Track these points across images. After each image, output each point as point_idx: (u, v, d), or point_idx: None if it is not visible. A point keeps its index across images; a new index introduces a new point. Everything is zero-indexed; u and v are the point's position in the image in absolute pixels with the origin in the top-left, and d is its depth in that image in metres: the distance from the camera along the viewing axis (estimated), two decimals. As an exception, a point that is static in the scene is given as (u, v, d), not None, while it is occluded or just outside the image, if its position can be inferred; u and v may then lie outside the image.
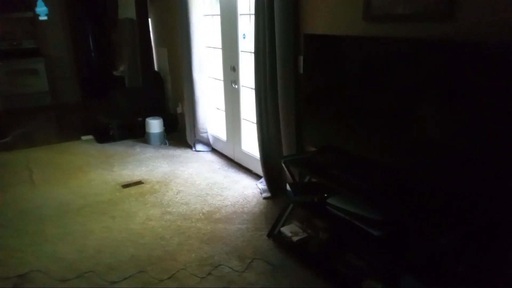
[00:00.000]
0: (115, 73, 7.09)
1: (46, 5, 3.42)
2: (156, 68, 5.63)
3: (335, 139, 2.53)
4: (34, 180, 3.83)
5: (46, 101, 7.25)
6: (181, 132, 5.10)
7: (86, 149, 4.75)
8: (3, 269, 2.48)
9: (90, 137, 5.20)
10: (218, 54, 4.14)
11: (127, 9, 5.77)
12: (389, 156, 2.12)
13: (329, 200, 2.36)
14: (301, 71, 2.87)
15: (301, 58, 2.84)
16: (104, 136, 5.08)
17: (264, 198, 3.36)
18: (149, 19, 5.41)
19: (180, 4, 4.18)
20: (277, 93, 3.04)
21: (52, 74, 7.31)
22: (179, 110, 5.21)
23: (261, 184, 3.56)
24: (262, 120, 3.26)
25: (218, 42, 4.09)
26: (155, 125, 4.82)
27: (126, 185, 3.68)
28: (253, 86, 3.55)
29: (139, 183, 3.73)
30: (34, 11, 6.83)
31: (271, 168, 3.35)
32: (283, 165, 2.65)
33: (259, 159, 3.61)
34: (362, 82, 2.22)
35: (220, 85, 4.22)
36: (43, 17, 3.47)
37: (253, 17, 3.40)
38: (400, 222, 1.99)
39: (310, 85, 2.65)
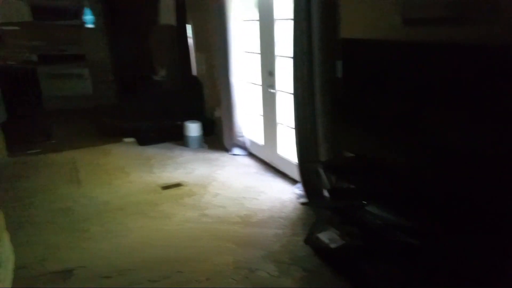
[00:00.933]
0: (155, 77, 7.31)
1: (93, 13, 3.57)
2: (194, 72, 5.75)
3: (373, 145, 2.49)
4: (79, 179, 4.02)
5: (90, 104, 7.59)
6: (218, 136, 5.18)
7: (127, 151, 4.93)
8: (50, 264, 2.62)
9: (131, 139, 5.39)
10: (256, 59, 4.17)
11: (167, 16, 5.94)
12: (429, 164, 2.05)
13: (367, 207, 2.31)
14: (340, 75, 2.85)
15: (340, 62, 2.81)
16: (144, 139, 5.24)
17: (301, 203, 3.35)
18: (188, 25, 5.54)
19: (218, 10, 4.25)
20: (315, 98, 3.02)
21: (95, 78, 7.65)
22: (216, 114, 5.29)
23: (298, 189, 3.55)
24: (300, 124, 3.25)
25: (256, 47, 4.12)
26: (193, 129, 4.93)
27: (165, 187, 3.78)
28: (291, 91, 3.56)
29: (178, 185, 3.82)
30: (80, 19, 7.23)
31: (308, 173, 3.33)
32: (321, 170, 2.63)
33: (296, 163, 3.60)
34: (402, 87, 2.17)
35: (258, 90, 4.25)
36: (89, 25, 3.64)
37: (290, 22, 3.42)
38: (439, 232, 1.92)
39: (348, 90, 2.63)
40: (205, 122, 5.16)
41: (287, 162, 3.87)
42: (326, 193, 2.95)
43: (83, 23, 3.73)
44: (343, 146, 2.93)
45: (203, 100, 5.60)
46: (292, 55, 3.17)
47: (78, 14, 7.19)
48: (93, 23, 3.66)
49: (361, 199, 2.45)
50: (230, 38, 4.21)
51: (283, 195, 3.54)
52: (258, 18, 3.91)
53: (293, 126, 3.36)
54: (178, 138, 5.14)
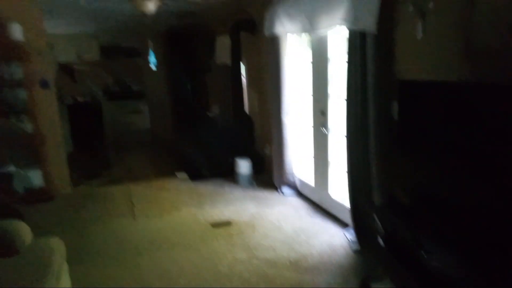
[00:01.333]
0: (208, 113, 7.56)
1: (156, 57, 3.82)
2: (246, 110, 5.87)
3: (431, 190, 2.34)
4: (134, 213, 4.16)
5: (147, 138, 7.99)
6: (268, 174, 5.17)
7: (179, 186, 5.05)
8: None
9: (183, 174, 5.54)
10: (308, 98, 4.19)
11: (223, 55, 6.19)
12: (500, 209, 1.88)
13: (426, 256, 2.15)
14: (396, 117, 2.76)
15: (395, 103, 2.74)
16: (196, 174, 5.36)
17: (353, 250, 3.20)
18: (242, 64, 5.72)
19: (272, 50, 4.37)
20: (369, 139, 2.95)
21: (153, 113, 8.07)
22: (267, 151, 5.32)
23: (350, 234, 3.40)
24: (353, 166, 3.16)
25: (308, 87, 4.15)
26: (244, 166, 4.97)
27: (216, 225, 3.79)
28: (343, 131, 3.50)
29: (227, 223, 3.82)
30: (143, 58, 7.77)
31: (361, 217, 3.20)
32: (375, 216, 2.51)
33: (348, 207, 3.48)
34: (463, 131, 2.05)
35: (309, 129, 4.23)
36: (153, 67, 3.88)
37: (344, 63, 3.41)
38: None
39: (406, 132, 2.53)
40: (255, 159, 5.20)
41: (339, 204, 3.75)
42: (380, 240, 2.80)
43: (147, 63, 3.99)
44: (399, 190, 2.79)
45: (254, 137, 5.67)
46: (345, 95, 3.15)
47: (141, 54, 7.77)
48: (156, 65, 3.88)
49: (419, 247, 2.29)
50: (283, 77, 4.28)
51: (334, 240, 3.40)
52: (311, 58, 3.96)
53: (346, 168, 3.28)
54: (229, 175, 5.20)
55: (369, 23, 2.69)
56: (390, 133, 2.81)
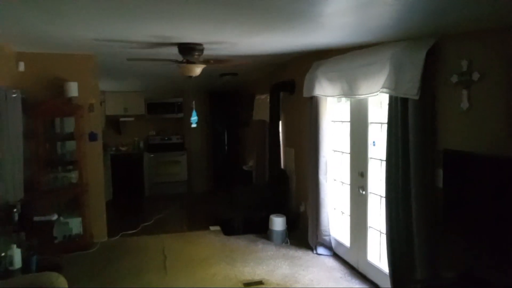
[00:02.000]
0: (244, 167, 7.65)
1: (197, 115, 4.02)
2: (282, 166, 5.90)
3: (478, 265, 2.20)
4: (166, 267, 4.14)
5: (183, 189, 8.12)
6: (302, 231, 5.06)
7: (212, 240, 5.03)
8: None
9: (217, 227, 5.52)
10: (345, 159, 4.17)
11: (261, 112, 6.38)
12: None
13: None
14: (440, 185, 2.68)
15: (440, 171, 2.67)
16: (229, 229, 5.33)
17: (394, 322, 2.99)
18: (280, 121, 5.85)
19: (311, 110, 4.46)
20: (411, 205, 2.85)
21: (191, 166, 8.26)
22: (302, 209, 5.24)
23: (390, 304, 3.20)
24: (393, 232, 3.04)
25: (345, 147, 4.15)
26: (278, 223, 4.90)
27: (247, 284, 3.69)
28: (382, 194, 3.42)
29: (259, 283, 3.72)
30: (183, 112, 8.14)
31: (403, 287, 3.01)
32: (419, 290, 2.37)
33: (387, 273, 3.31)
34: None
35: (346, 189, 4.17)
36: (194, 125, 4.07)
37: (384, 126, 3.42)
38: None
39: (451, 202, 2.44)
40: (289, 216, 5.12)
41: (377, 270, 3.57)
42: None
43: (189, 119, 4.20)
44: (443, 264, 2.64)
45: (289, 194, 5.63)
46: (385, 158, 3.12)
47: (181, 109, 8.16)
48: (197, 123, 4.08)
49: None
50: (322, 136, 4.32)
51: (372, 309, 3.21)
52: (350, 120, 3.99)
53: (385, 232, 3.16)
54: (262, 231, 5.13)
55: (411, 90, 2.73)
56: (434, 200, 2.72)
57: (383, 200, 3.40)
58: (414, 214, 2.82)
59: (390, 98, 3.03)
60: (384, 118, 3.41)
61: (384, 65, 3.09)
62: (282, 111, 5.71)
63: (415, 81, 2.74)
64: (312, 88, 4.37)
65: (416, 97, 2.73)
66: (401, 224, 2.96)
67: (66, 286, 2.31)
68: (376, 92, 3.18)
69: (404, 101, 2.88)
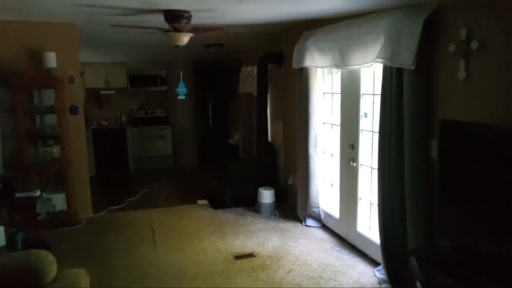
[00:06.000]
0: (230, 141, 7.58)
1: (186, 86, 3.87)
2: (270, 139, 5.85)
3: (475, 236, 2.22)
4: (156, 242, 4.10)
5: (168, 164, 8.01)
6: (290, 204, 5.08)
7: (201, 214, 4.99)
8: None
9: (205, 201, 5.48)
10: (335, 131, 4.14)
11: (248, 84, 6.25)
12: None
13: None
14: (434, 156, 2.68)
15: (434, 142, 2.66)
16: (218, 202, 5.30)
17: (384, 290, 3.05)
18: (267, 93, 5.74)
19: (300, 82, 4.37)
20: (403, 177, 2.85)
21: (175, 140, 8.12)
22: (290, 181, 5.24)
23: (380, 273, 3.25)
24: (385, 204, 3.06)
25: (336, 119, 4.11)
26: (267, 196, 4.89)
27: (238, 257, 3.69)
28: (373, 166, 3.42)
29: (250, 255, 3.72)
30: (167, 85, 7.91)
31: (393, 257, 3.06)
32: (414, 261, 2.38)
33: (377, 243, 3.36)
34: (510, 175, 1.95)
35: (336, 161, 4.16)
36: (181, 97, 3.92)
37: (376, 97, 3.37)
38: None
39: (446, 173, 2.43)
40: (278, 189, 5.12)
41: (367, 240, 3.62)
42: (419, 285, 2.65)
43: (174, 91, 4.03)
44: (437, 234, 2.67)
45: (277, 167, 5.61)
46: (377, 130, 3.09)
47: (165, 81, 7.93)
48: (185, 95, 3.92)
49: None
50: (312, 109, 4.26)
51: (362, 278, 3.26)
52: (340, 90, 3.93)
53: (377, 204, 3.18)
54: (251, 204, 5.12)
55: (407, 59, 2.66)
56: (428, 172, 2.72)
57: (374, 171, 3.41)
58: (407, 185, 2.82)
59: (385, 68, 2.97)
60: (377, 89, 3.37)
61: (379, 34, 3.01)
62: (270, 84, 5.60)
63: (411, 50, 2.68)
64: (302, 59, 4.27)
65: (412, 67, 2.68)
66: (393, 195, 2.97)
67: (55, 263, 2.23)
68: (371, 62, 3.11)
69: (399, 71, 2.83)
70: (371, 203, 3.56)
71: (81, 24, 4.37)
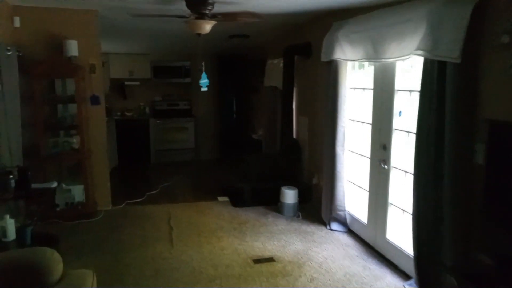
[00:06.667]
0: (253, 136, 7.37)
1: (208, 77, 3.68)
2: (294, 135, 5.60)
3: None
4: (172, 238, 3.95)
5: (190, 157, 7.90)
6: (314, 205, 4.82)
7: (221, 211, 4.82)
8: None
9: (225, 198, 5.31)
10: (365, 129, 3.85)
11: (273, 77, 6.00)
12: None
13: None
14: (480, 161, 2.37)
15: (480, 146, 2.35)
16: (238, 199, 5.11)
17: (416, 307, 2.77)
18: (293, 87, 5.48)
19: (329, 76, 4.10)
20: (442, 183, 2.56)
21: (198, 133, 7.99)
22: (314, 181, 4.98)
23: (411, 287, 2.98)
24: (420, 212, 2.77)
25: (366, 116, 3.82)
26: (290, 196, 4.66)
27: (257, 260, 3.49)
28: (408, 169, 3.14)
29: (270, 259, 3.51)
30: (191, 77, 7.77)
31: (427, 271, 2.77)
32: (453, 278, 2.11)
33: (409, 254, 3.08)
34: None
35: (365, 162, 3.88)
36: (204, 89, 3.73)
37: (413, 94, 3.08)
38: None
39: (494, 181, 2.13)
40: (301, 188, 4.86)
41: (398, 250, 3.33)
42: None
43: (197, 83, 3.85)
44: (480, 247, 2.37)
45: (301, 165, 5.36)
46: (414, 130, 2.79)
47: (189, 73, 7.79)
48: (207, 86, 3.73)
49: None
50: (340, 105, 3.98)
51: (391, 291, 3.00)
52: (373, 87, 3.63)
53: (410, 211, 2.89)
54: (272, 203, 4.90)
55: (452, 52, 2.36)
56: (472, 179, 2.42)
57: (409, 176, 3.12)
58: (446, 193, 2.53)
59: (425, 62, 2.67)
60: (414, 85, 3.07)
61: (419, 23, 2.71)
62: (296, 77, 5.34)
63: (457, 42, 2.38)
64: (331, 51, 3.99)
65: (458, 60, 2.37)
66: (430, 203, 2.68)
67: (61, 263, 2.09)
68: (408, 55, 2.82)
69: (442, 65, 2.53)
70: (403, 210, 3.27)
71: (102, 11, 4.24)
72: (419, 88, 2.72)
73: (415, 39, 2.72)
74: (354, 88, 4.08)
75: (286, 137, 5.47)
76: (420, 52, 2.66)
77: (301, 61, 5.20)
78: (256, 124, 7.75)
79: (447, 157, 2.51)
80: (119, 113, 7.82)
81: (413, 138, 3.08)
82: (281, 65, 5.41)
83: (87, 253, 3.59)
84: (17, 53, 3.98)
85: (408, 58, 2.85)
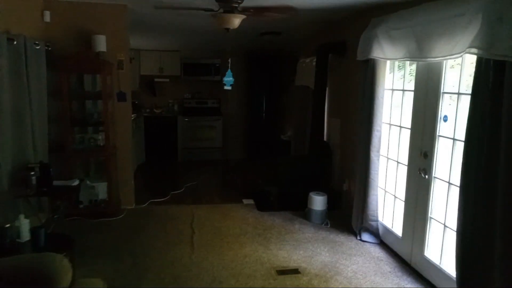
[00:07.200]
0: (282, 137, 7.14)
1: (233, 76, 3.48)
2: (325, 138, 5.32)
3: None
4: (194, 242, 3.79)
5: (217, 156, 7.76)
6: (344, 212, 4.54)
7: (245, 215, 4.62)
8: None
9: (251, 201, 5.12)
10: (404, 135, 3.54)
11: (305, 77, 5.75)
12: None
13: None
14: (543, 177, 2.04)
15: (544, 159, 2.03)
16: (264, 203, 4.91)
17: (459, 337, 2.46)
18: (326, 87, 5.21)
19: (365, 76, 3.81)
20: (495, 198, 2.24)
21: (226, 132, 7.84)
22: (345, 187, 4.70)
23: (452, 313, 2.66)
24: (467, 230, 2.45)
25: (406, 121, 3.51)
26: (318, 202, 4.40)
27: (281, 272, 3.26)
28: (452, 180, 2.83)
29: (295, 271, 3.28)
30: (220, 75, 7.62)
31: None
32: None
33: (450, 275, 2.79)
34: None
35: (401, 170, 3.57)
36: (227, 87, 3.55)
37: (462, 97, 2.76)
38: None
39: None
40: (331, 194, 4.59)
41: (437, 269, 3.02)
42: None
43: (224, 84, 3.67)
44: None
45: (332, 169, 5.08)
46: (464, 137, 2.48)
47: (219, 71, 7.64)
48: (231, 85, 3.54)
49: None
50: (377, 107, 3.69)
51: (429, 316, 2.70)
52: (414, 89, 3.32)
53: (455, 228, 2.58)
54: (300, 208, 4.66)
55: (514, 50, 2.04)
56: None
57: (453, 188, 2.81)
58: (500, 209, 2.21)
59: (479, 61, 2.35)
60: (463, 87, 2.76)
61: (472, 18, 2.39)
62: (329, 77, 5.06)
63: (520, 38, 2.06)
64: (368, 49, 3.70)
65: (521, 60, 2.05)
66: (479, 220, 2.37)
67: (70, 271, 1.96)
68: (459, 53, 2.50)
69: (500, 65, 2.20)
70: (445, 225, 2.95)
71: (131, 6, 4.14)
72: (464, 90, 2.40)
73: (468, 35, 2.41)
74: (393, 90, 3.77)
75: (316, 139, 5.20)
76: (474, 50, 2.34)
77: (335, 60, 4.92)
78: (286, 124, 7.51)
79: (502, 168, 2.19)
80: (148, 110, 7.79)
81: (460, 146, 2.78)
82: (314, 63, 5.15)
83: (105, 254, 3.49)
84: (46, 47, 3.95)
85: (459, 56, 2.54)
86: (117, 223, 4.27)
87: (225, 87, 3.55)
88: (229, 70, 3.48)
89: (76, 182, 3.60)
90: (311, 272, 3.27)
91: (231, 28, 3.11)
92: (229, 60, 3.59)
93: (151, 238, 3.88)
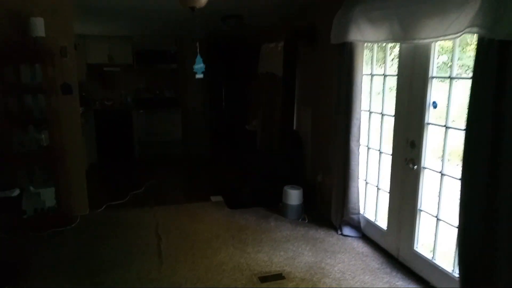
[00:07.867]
0: (247, 127, 6.79)
1: (203, 62, 3.07)
2: (295, 127, 5.05)
3: None
4: (161, 252, 3.38)
5: (178, 150, 7.27)
6: (319, 206, 4.32)
7: (215, 214, 4.26)
8: None
9: (219, 198, 4.76)
10: (387, 123, 3.33)
11: (270, 63, 5.41)
12: None
13: None
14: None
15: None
16: (234, 200, 4.57)
17: None
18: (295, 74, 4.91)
19: (341, 61, 3.54)
20: (499, 191, 2.06)
21: (185, 124, 7.36)
22: (319, 179, 4.46)
23: (451, 312, 2.50)
24: (469, 224, 2.26)
25: (388, 108, 3.30)
26: (294, 196, 4.14)
27: (264, 278, 2.96)
28: (445, 171, 2.64)
29: (279, 276, 2.98)
30: (177, 63, 7.08)
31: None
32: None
33: (444, 271, 2.65)
34: None
35: (385, 160, 3.37)
36: (199, 75, 3.13)
37: (455, 82, 2.56)
38: None
39: None
40: (305, 187, 4.34)
41: (428, 264, 2.85)
42: None
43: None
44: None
45: (303, 161, 4.82)
46: (464, 125, 2.28)
47: (175, 59, 7.10)
48: (203, 73, 3.14)
49: None
50: (355, 94, 3.44)
51: (427, 316, 2.51)
52: (397, 73, 3.10)
53: (455, 224, 2.40)
54: (273, 204, 4.38)
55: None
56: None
57: (446, 178, 2.64)
58: (505, 204, 2.03)
59: (480, 42, 2.12)
60: (456, 70, 2.56)
61: (472, -7, 2.17)
62: (298, 63, 4.76)
63: (527, 15, 1.85)
64: (345, 32, 3.43)
65: (531, 39, 1.85)
66: (483, 213, 2.18)
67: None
68: (457, 33, 2.28)
69: (504, 46, 1.99)
70: (438, 218, 2.77)
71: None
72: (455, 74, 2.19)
73: (467, 13, 2.18)
74: (373, 75, 3.54)
75: (286, 129, 4.91)
76: (475, 29, 2.11)
77: (304, 45, 4.62)
78: (251, 114, 7.16)
79: (506, 160, 2.00)
80: (97, 103, 7.10)
81: (451, 134, 2.60)
82: (279, 49, 4.82)
83: (58, 273, 2.99)
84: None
85: (456, 37, 2.31)
86: (70, 234, 3.74)
87: (197, 76, 3.13)
88: (198, 55, 3.06)
89: (15, 193, 3.06)
90: (296, 276, 2.99)
91: (197, 7, 2.69)
92: (197, 45, 3.17)
93: (111, 250, 3.42)
